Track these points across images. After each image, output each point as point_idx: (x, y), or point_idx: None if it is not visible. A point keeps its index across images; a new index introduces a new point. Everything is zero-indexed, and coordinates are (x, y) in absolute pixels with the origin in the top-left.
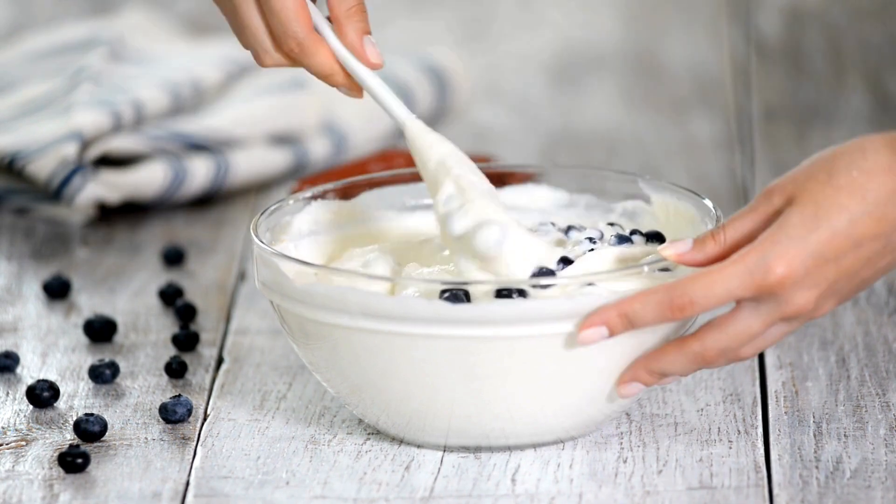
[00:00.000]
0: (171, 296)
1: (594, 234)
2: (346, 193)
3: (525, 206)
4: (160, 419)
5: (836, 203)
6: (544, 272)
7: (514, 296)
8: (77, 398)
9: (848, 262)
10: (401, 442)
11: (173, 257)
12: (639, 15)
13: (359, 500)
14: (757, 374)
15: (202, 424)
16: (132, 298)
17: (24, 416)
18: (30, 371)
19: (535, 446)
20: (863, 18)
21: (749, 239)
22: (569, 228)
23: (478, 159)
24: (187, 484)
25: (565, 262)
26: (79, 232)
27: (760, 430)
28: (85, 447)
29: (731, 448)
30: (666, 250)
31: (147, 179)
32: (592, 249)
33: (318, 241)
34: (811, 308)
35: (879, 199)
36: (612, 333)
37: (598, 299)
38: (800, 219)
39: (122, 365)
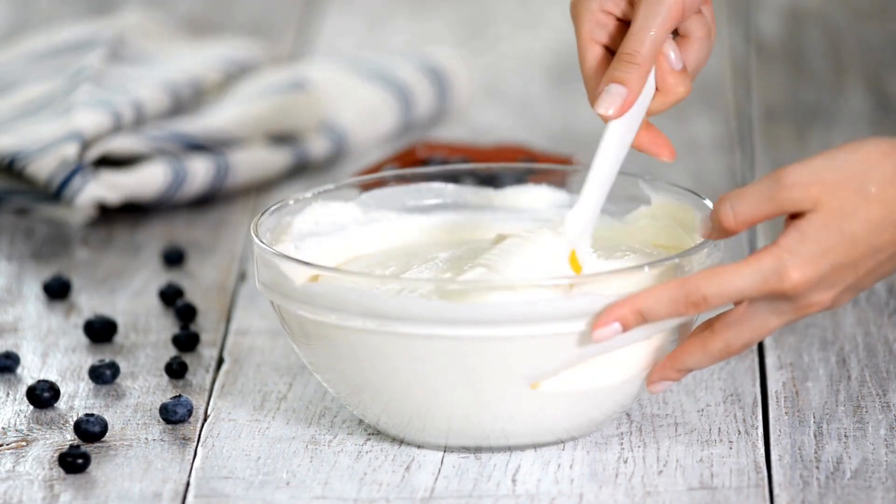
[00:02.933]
0: (171, 296)
1: None
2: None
3: (525, 207)
4: (160, 419)
5: (864, 216)
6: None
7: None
8: (77, 398)
9: (867, 265)
10: (401, 442)
11: (173, 258)
12: None
13: (359, 501)
14: (757, 375)
15: (202, 425)
16: (132, 299)
17: (25, 416)
18: (30, 371)
19: (535, 446)
20: (863, 19)
21: (762, 219)
22: None
23: (559, 160)
24: (188, 484)
25: None
26: (79, 232)
27: (761, 430)
28: (85, 447)
29: (731, 448)
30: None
31: (147, 180)
32: None
33: (320, 241)
34: (828, 305)
35: None
36: (625, 330)
37: (598, 299)
38: (824, 229)
39: (123, 365)
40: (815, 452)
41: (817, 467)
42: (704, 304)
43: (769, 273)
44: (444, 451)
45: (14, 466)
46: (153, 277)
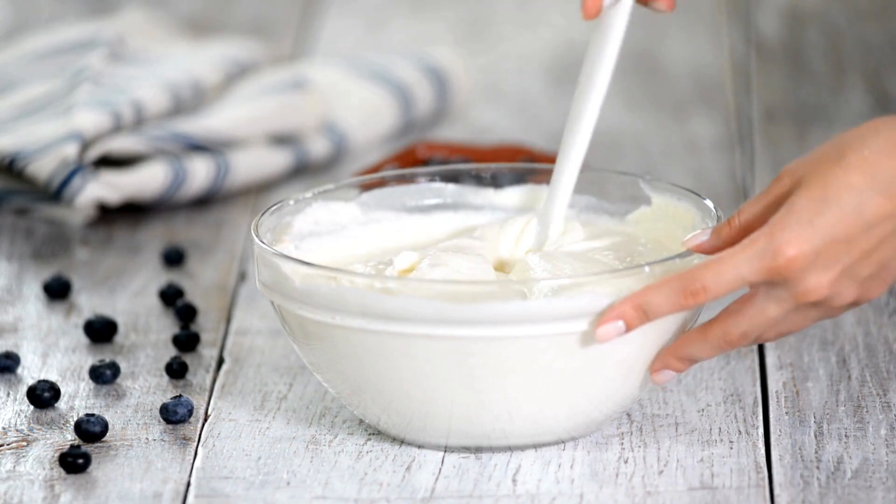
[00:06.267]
0: (171, 296)
1: None
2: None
3: (525, 207)
4: (161, 419)
5: (844, 183)
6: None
7: None
8: (78, 398)
9: (861, 244)
10: (402, 442)
11: (173, 258)
12: (639, 15)
13: (360, 501)
14: (758, 375)
15: (203, 425)
16: (132, 299)
17: (25, 416)
18: (30, 371)
19: (535, 446)
20: (863, 19)
21: (762, 222)
22: None
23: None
24: (188, 484)
25: None
26: (79, 232)
27: (761, 430)
28: (86, 447)
29: (731, 448)
30: (688, 242)
31: (147, 180)
32: None
33: (320, 241)
34: (826, 292)
35: (891, 178)
36: (629, 327)
37: (598, 299)
38: (808, 201)
39: (123, 365)
40: (816, 452)
41: (818, 467)
42: (704, 294)
43: (763, 251)
44: (445, 451)
45: (14, 466)
46: (153, 277)
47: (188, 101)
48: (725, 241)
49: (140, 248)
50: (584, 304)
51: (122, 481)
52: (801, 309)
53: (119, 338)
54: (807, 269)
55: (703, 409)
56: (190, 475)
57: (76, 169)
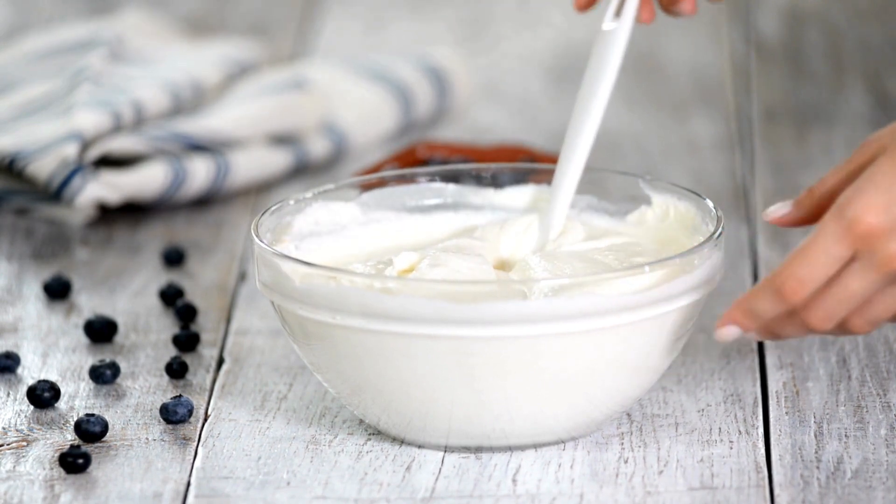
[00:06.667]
0: (171, 296)
1: None
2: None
3: (525, 207)
4: (161, 419)
5: None
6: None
7: None
8: (78, 398)
9: None
10: (402, 442)
11: (173, 258)
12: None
13: (360, 501)
14: (758, 375)
15: (203, 425)
16: (132, 299)
17: (25, 416)
18: (30, 371)
19: (535, 446)
20: (863, 19)
21: (842, 190)
22: None
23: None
24: (188, 484)
25: None
26: (79, 232)
27: (761, 430)
28: (86, 447)
29: (731, 448)
30: (770, 215)
31: (147, 180)
32: None
33: (320, 241)
34: None
35: None
36: (745, 330)
37: (598, 299)
38: (889, 168)
39: (123, 365)
40: (816, 452)
41: (818, 467)
42: (801, 287)
43: (842, 221)
44: (445, 451)
45: (14, 466)
46: (153, 277)
47: (188, 101)
48: (808, 211)
49: (140, 248)
50: (584, 304)
51: (122, 481)
52: (886, 286)
53: (119, 338)
54: (889, 236)
55: (703, 409)
56: (190, 475)
57: (76, 169)
